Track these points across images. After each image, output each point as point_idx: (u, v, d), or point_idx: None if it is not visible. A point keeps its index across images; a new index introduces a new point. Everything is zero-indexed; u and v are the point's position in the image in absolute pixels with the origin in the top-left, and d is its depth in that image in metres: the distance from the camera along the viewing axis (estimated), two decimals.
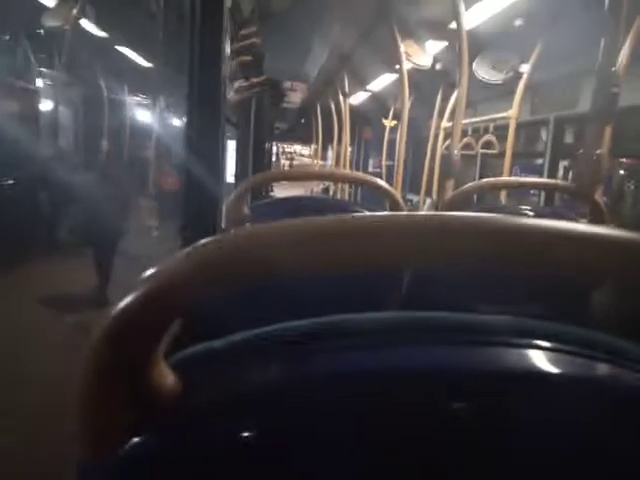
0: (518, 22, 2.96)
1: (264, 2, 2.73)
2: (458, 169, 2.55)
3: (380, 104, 6.56)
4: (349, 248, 0.23)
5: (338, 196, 6.91)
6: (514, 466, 0.24)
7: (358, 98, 6.80)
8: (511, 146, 3.43)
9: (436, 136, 4.90)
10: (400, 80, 3.63)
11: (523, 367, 0.25)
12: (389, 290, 0.89)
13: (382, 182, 1.04)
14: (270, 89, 4.40)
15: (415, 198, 5.90)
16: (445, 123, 4.70)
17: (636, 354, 0.26)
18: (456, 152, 2.33)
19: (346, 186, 7.12)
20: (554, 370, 0.25)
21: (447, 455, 0.24)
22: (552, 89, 3.56)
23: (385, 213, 0.24)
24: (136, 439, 0.24)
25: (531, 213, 1.16)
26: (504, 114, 3.49)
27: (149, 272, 0.23)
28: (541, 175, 3.65)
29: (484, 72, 3.40)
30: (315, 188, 7.99)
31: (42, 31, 4.61)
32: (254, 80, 1.43)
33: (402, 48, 3.45)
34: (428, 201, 5.14)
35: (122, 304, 0.23)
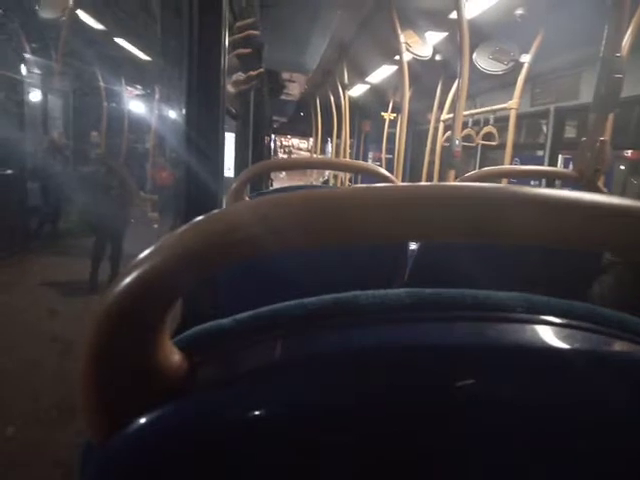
0: (519, 11, 2.94)
1: None
2: (458, 161, 2.54)
3: (380, 97, 6.54)
4: (352, 220, 0.22)
5: None
6: (525, 441, 0.24)
7: (357, 91, 6.77)
8: (511, 137, 3.41)
9: (436, 128, 4.89)
10: (400, 71, 3.61)
11: (532, 343, 0.25)
12: (395, 267, 0.89)
13: (383, 170, 1.03)
14: (269, 81, 4.38)
15: None
16: (445, 115, 4.68)
17: None
18: (457, 142, 2.32)
19: (346, 180, 7.11)
20: (564, 345, 0.24)
21: (455, 432, 0.24)
22: (553, 80, 3.54)
23: (387, 185, 0.23)
24: (143, 419, 0.23)
25: None
26: (504, 105, 3.47)
27: (151, 248, 0.23)
28: None
29: (484, 63, 3.38)
30: (315, 182, 7.98)
31: (38, 21, 4.57)
32: (253, 72, 1.41)
33: (402, 38, 3.43)
34: None
35: (125, 280, 0.22)
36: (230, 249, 0.22)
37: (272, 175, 6.20)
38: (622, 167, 3.23)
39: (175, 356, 0.25)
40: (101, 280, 3.52)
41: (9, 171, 4.00)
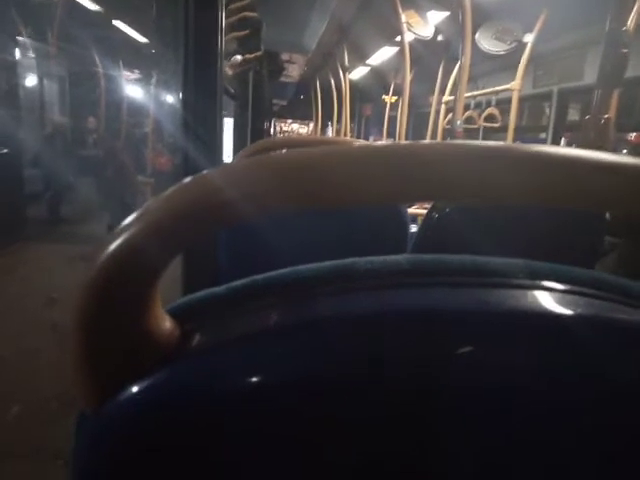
0: None
1: None
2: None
3: (380, 79, 6.47)
4: (330, 181, 0.21)
5: None
6: (525, 408, 0.23)
7: (358, 73, 6.70)
8: (514, 119, 3.37)
9: (437, 111, 4.84)
10: (401, 52, 3.55)
11: (534, 308, 0.24)
12: (397, 234, 0.89)
13: None
14: (268, 62, 4.33)
15: None
16: (447, 97, 4.63)
17: None
18: (459, 123, 2.29)
19: None
20: (567, 311, 0.24)
21: (454, 399, 0.23)
22: (556, 61, 3.48)
23: (365, 144, 0.22)
24: (134, 387, 0.23)
25: None
26: (506, 86, 3.42)
27: (134, 214, 0.22)
28: None
29: (487, 43, 3.33)
30: None
31: (34, 4, 4.51)
32: (249, 55, 1.39)
33: (403, 18, 3.37)
34: None
35: (111, 247, 0.21)
36: (214, 211, 0.21)
37: None
38: (625, 151, 3.19)
39: (167, 323, 0.24)
40: None
41: (4, 150, 3.96)
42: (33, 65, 5.38)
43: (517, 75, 3.32)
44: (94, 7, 4.84)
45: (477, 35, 3.27)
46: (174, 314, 0.25)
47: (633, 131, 3.07)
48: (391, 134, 6.17)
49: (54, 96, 6.11)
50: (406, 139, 4.10)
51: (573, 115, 3.63)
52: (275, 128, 11.60)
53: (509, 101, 3.43)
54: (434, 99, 5.00)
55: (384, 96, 6.60)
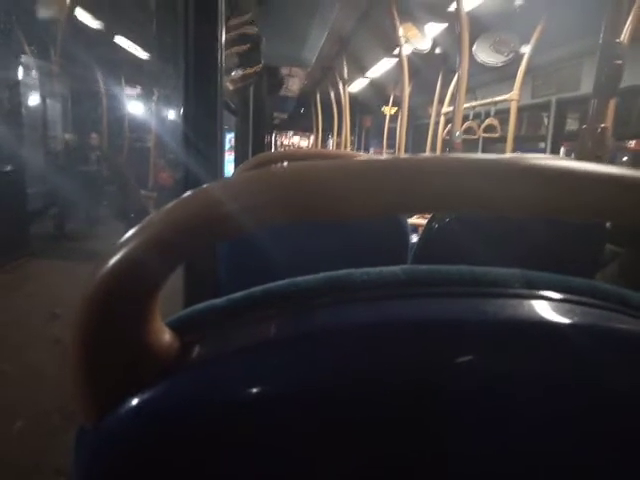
0: (518, 2, 2.91)
1: None
2: (460, 152, 2.51)
3: (380, 91, 6.52)
4: (330, 194, 0.21)
5: None
6: (523, 417, 0.23)
7: (358, 86, 6.75)
8: (512, 130, 3.39)
9: (437, 122, 4.87)
10: (400, 65, 3.58)
11: (531, 318, 0.24)
12: (398, 245, 0.89)
13: None
14: (268, 76, 4.36)
15: None
16: (446, 108, 4.66)
17: None
18: (457, 134, 2.30)
19: None
20: (564, 320, 0.24)
21: (452, 409, 0.23)
22: (553, 72, 3.51)
23: (363, 158, 0.23)
24: (134, 400, 0.23)
25: None
26: (505, 97, 3.45)
27: (135, 228, 0.22)
28: None
29: (484, 54, 3.36)
30: None
31: (38, 23, 4.57)
32: (250, 70, 1.40)
33: (401, 31, 3.41)
34: None
35: (111, 260, 0.21)
36: (214, 224, 0.22)
37: None
38: (625, 158, 3.20)
39: (166, 336, 0.24)
40: None
41: (8, 167, 3.99)
42: (36, 84, 5.44)
43: (515, 86, 3.35)
44: (96, 24, 4.91)
45: (474, 47, 3.30)
46: (174, 326, 0.25)
47: (632, 139, 3.08)
48: (391, 145, 6.20)
49: (57, 114, 6.17)
50: (406, 150, 4.11)
51: (572, 125, 3.65)
52: (277, 141, 11.66)
53: (508, 111, 3.46)
54: (433, 110, 5.03)
55: (384, 108, 6.64)
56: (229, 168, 3.74)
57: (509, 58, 3.34)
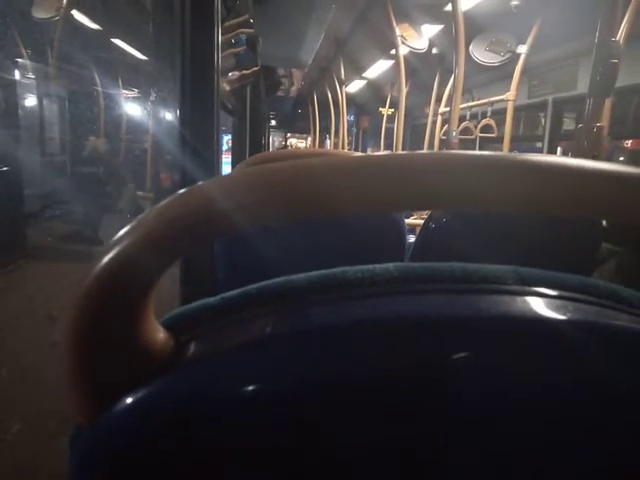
0: (514, 2, 2.92)
1: None
2: None
3: (377, 92, 6.52)
4: (326, 191, 0.21)
5: None
6: (518, 413, 0.23)
7: (355, 86, 6.76)
8: (509, 129, 3.40)
9: (434, 122, 4.88)
10: (397, 65, 3.59)
11: (524, 314, 0.24)
12: (395, 244, 0.88)
13: None
14: (265, 77, 4.37)
15: None
16: (442, 108, 4.67)
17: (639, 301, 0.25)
18: (454, 134, 2.30)
19: None
20: (556, 316, 0.24)
21: (448, 404, 0.23)
22: (550, 71, 3.52)
23: (359, 155, 0.23)
24: (128, 399, 0.23)
25: None
26: (501, 97, 3.45)
27: (128, 226, 0.22)
28: None
29: (481, 54, 3.37)
30: None
31: (35, 25, 4.55)
32: (246, 72, 1.39)
33: (398, 31, 3.41)
34: None
35: (104, 259, 0.21)
36: (209, 222, 0.21)
37: None
38: (621, 158, 3.21)
39: (160, 335, 0.24)
40: None
41: (4, 168, 3.97)
42: (33, 85, 5.43)
43: (512, 86, 3.36)
44: (93, 26, 4.90)
45: (471, 47, 3.31)
46: (168, 325, 0.25)
47: (628, 138, 3.09)
48: (388, 146, 6.20)
49: (53, 116, 6.16)
50: (403, 150, 4.12)
51: (569, 124, 3.66)
52: (273, 143, 11.67)
53: (504, 112, 3.46)
54: (430, 111, 5.04)
55: (381, 108, 6.65)
56: (227, 170, 3.75)
57: (505, 58, 3.35)
